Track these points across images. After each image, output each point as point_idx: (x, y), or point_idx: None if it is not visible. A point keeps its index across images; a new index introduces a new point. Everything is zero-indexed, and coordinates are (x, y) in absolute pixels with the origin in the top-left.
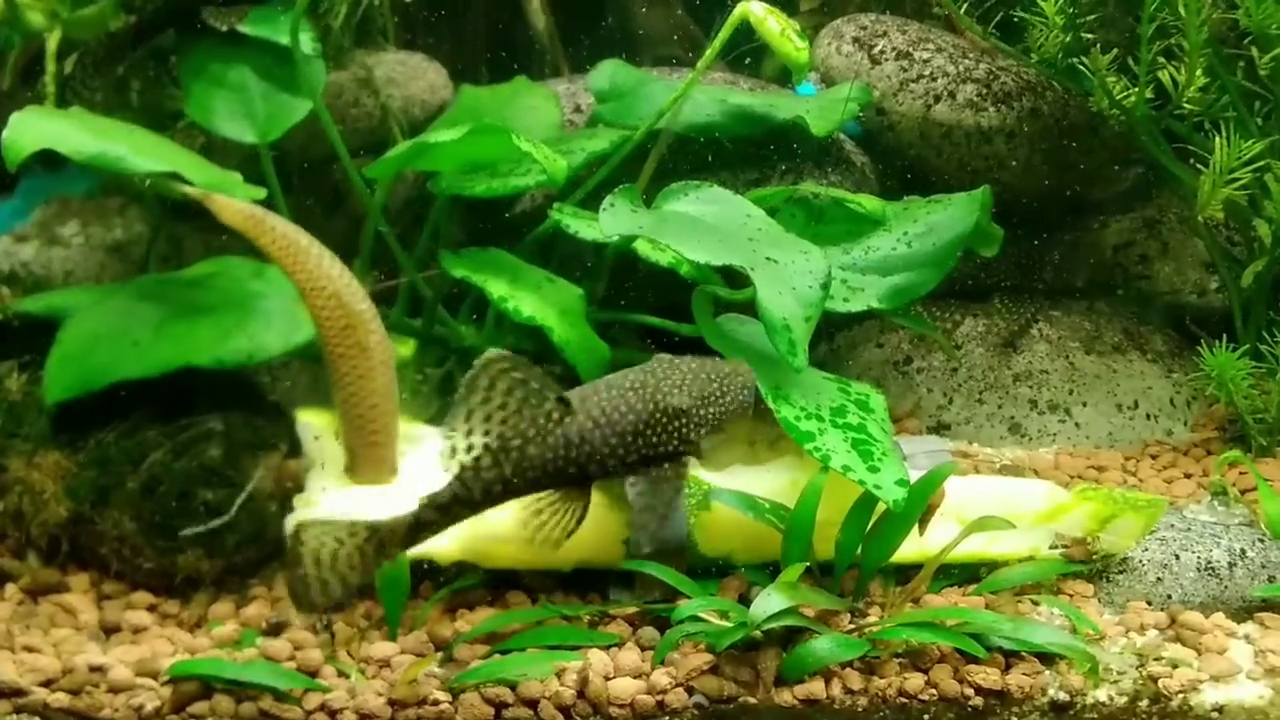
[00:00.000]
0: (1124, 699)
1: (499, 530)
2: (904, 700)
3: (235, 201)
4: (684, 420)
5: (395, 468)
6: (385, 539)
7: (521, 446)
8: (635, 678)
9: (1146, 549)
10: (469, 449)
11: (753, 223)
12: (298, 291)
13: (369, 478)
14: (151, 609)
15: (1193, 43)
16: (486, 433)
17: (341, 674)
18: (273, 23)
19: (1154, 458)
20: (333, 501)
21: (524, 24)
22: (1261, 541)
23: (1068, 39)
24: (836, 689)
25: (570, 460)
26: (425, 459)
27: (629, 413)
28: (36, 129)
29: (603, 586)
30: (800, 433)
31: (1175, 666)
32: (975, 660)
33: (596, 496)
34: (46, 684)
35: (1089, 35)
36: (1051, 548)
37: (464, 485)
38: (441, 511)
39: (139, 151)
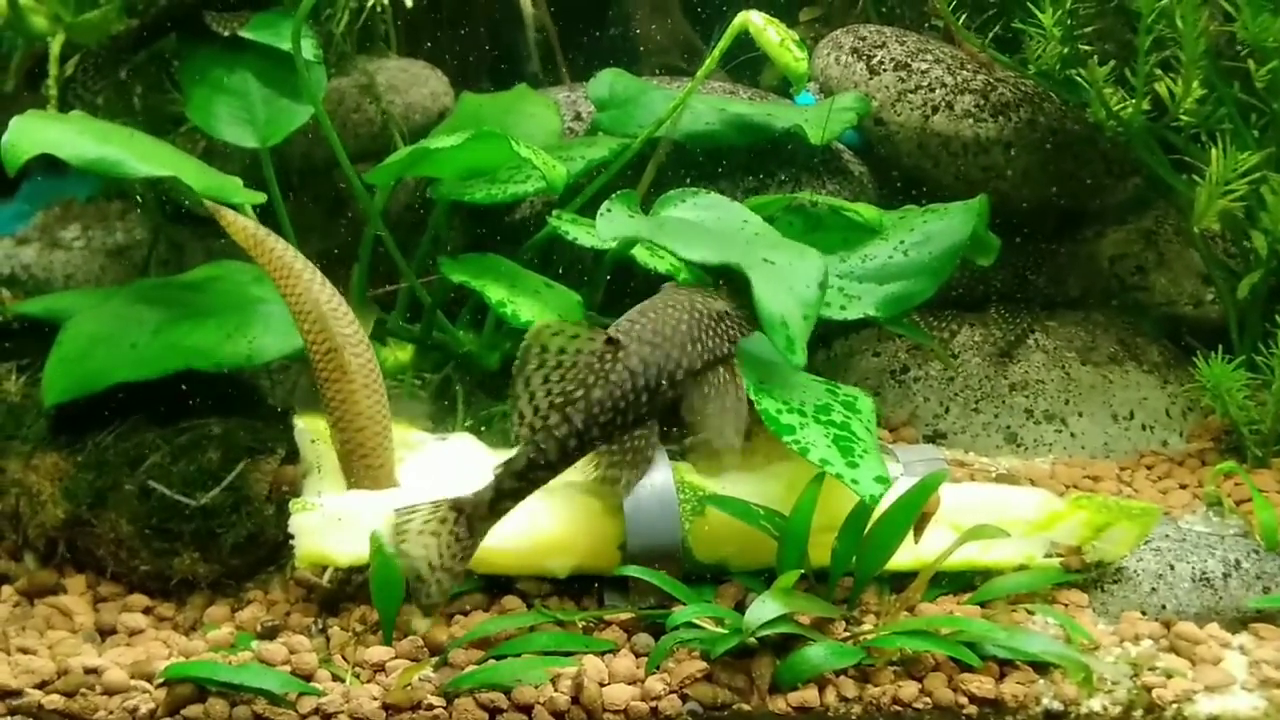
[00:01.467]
0: (1118, 709)
1: (494, 537)
2: (898, 709)
3: (240, 218)
4: (729, 321)
5: (394, 480)
6: (471, 516)
7: (585, 394)
8: (629, 684)
9: (1141, 559)
10: (535, 410)
11: (750, 228)
12: (290, 312)
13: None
14: (147, 611)
15: (1190, 55)
16: (549, 391)
17: (336, 678)
18: (274, 28)
19: (1149, 468)
20: (331, 505)
21: (525, 32)
22: (1256, 552)
23: (1065, 51)
24: (831, 697)
25: (639, 389)
26: (425, 464)
27: (681, 323)
28: (36, 134)
29: (598, 592)
30: (780, 425)
31: (1169, 677)
32: (970, 669)
33: (591, 502)
34: (41, 686)
35: (1086, 47)
36: (1046, 556)
37: (538, 448)
38: (520, 478)
39: (139, 156)
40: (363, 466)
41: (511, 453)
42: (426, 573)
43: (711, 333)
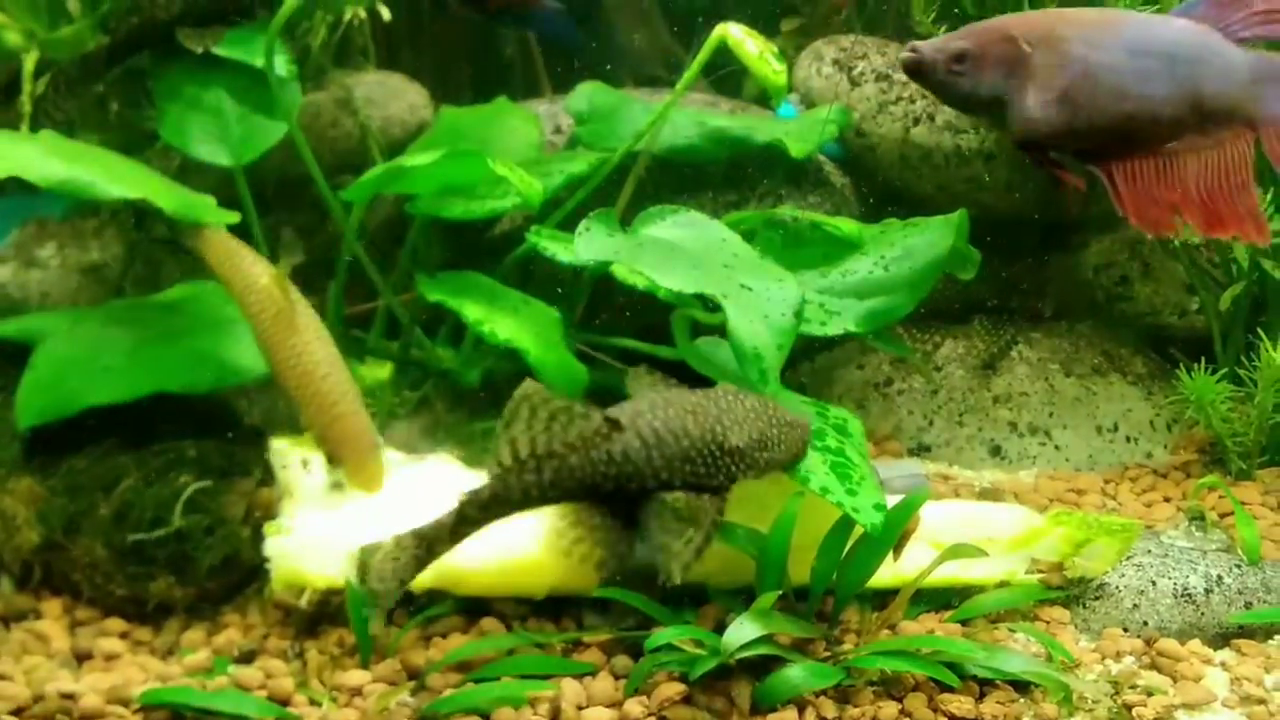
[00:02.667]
0: None
1: (472, 558)
2: None
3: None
4: (736, 458)
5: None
6: (432, 541)
7: (564, 455)
8: (608, 706)
9: (1123, 575)
10: (514, 456)
11: (728, 248)
12: (234, 294)
13: (356, 461)
14: (124, 636)
15: None
16: (532, 440)
17: (313, 702)
18: (248, 45)
19: (1133, 480)
20: (307, 527)
21: (505, 44)
22: (1238, 567)
23: None
24: (810, 717)
25: (610, 477)
26: (400, 486)
27: (683, 438)
28: (4, 154)
29: (577, 613)
30: None
31: (1150, 694)
32: (950, 689)
33: (571, 522)
34: (17, 712)
35: None
36: (1027, 573)
37: (504, 484)
38: (482, 509)
39: (109, 177)
40: (337, 421)
41: (479, 482)
42: (377, 586)
43: (711, 463)
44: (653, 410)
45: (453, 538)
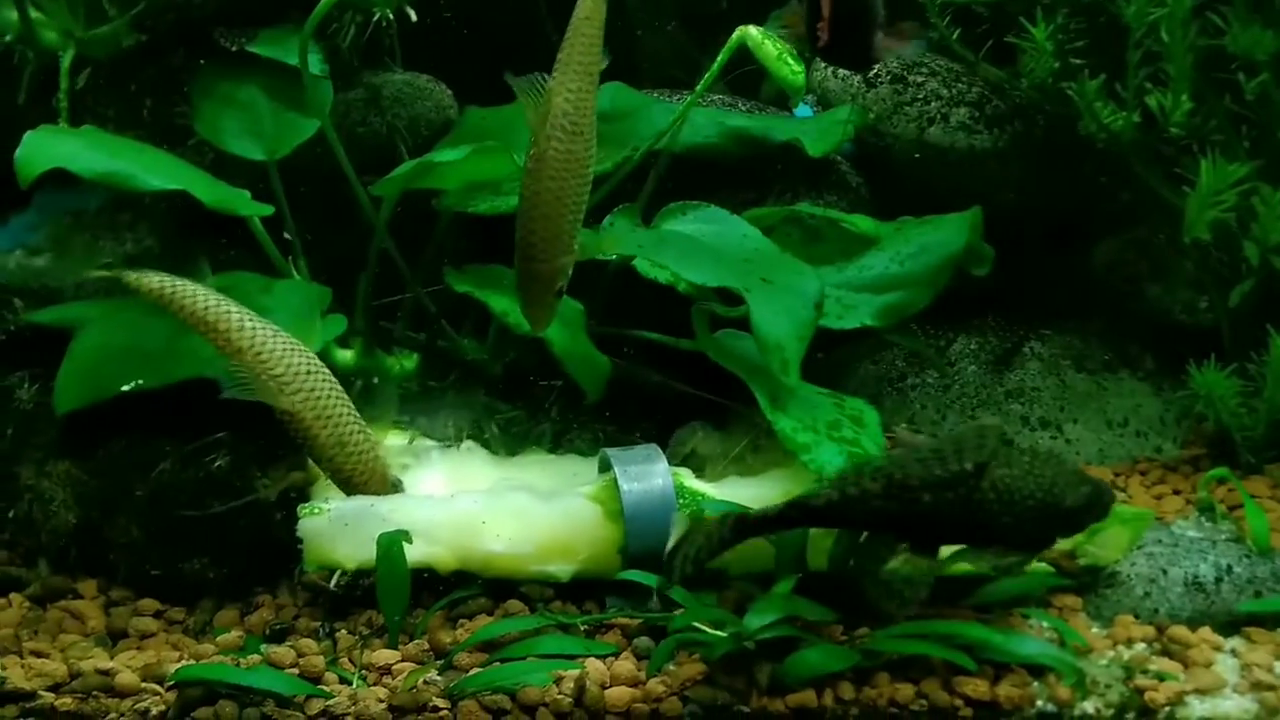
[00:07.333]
0: (1110, 711)
1: (498, 541)
2: (895, 711)
3: (146, 277)
4: (1068, 519)
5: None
6: (748, 527)
7: (916, 489)
8: (631, 686)
9: (1134, 564)
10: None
11: (749, 243)
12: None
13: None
14: (158, 615)
15: (1177, 69)
16: (901, 465)
17: (343, 680)
18: (282, 44)
19: (1143, 474)
20: (338, 509)
21: (531, 46)
22: (1248, 557)
23: (1057, 65)
24: (828, 699)
25: (957, 522)
26: (430, 472)
27: (1031, 496)
28: (48, 148)
29: (600, 596)
30: (796, 443)
31: (1162, 679)
32: (965, 672)
33: (593, 508)
34: (54, 689)
35: (1078, 61)
36: (1040, 560)
37: (843, 496)
38: (807, 514)
39: (149, 170)
40: (361, 469)
41: (814, 490)
42: (677, 560)
43: (1049, 523)
44: (1000, 464)
45: (766, 530)
